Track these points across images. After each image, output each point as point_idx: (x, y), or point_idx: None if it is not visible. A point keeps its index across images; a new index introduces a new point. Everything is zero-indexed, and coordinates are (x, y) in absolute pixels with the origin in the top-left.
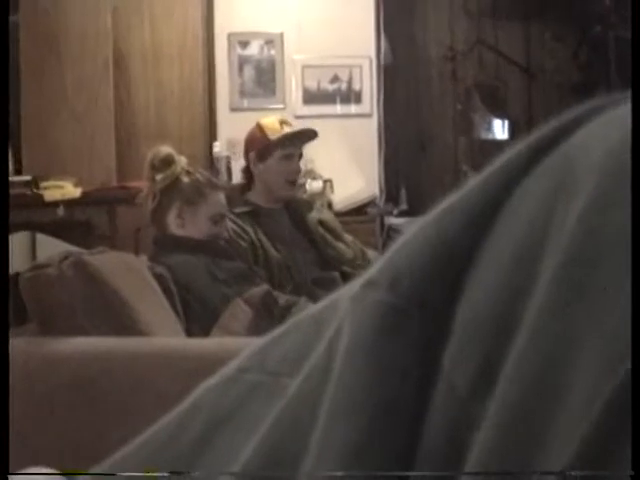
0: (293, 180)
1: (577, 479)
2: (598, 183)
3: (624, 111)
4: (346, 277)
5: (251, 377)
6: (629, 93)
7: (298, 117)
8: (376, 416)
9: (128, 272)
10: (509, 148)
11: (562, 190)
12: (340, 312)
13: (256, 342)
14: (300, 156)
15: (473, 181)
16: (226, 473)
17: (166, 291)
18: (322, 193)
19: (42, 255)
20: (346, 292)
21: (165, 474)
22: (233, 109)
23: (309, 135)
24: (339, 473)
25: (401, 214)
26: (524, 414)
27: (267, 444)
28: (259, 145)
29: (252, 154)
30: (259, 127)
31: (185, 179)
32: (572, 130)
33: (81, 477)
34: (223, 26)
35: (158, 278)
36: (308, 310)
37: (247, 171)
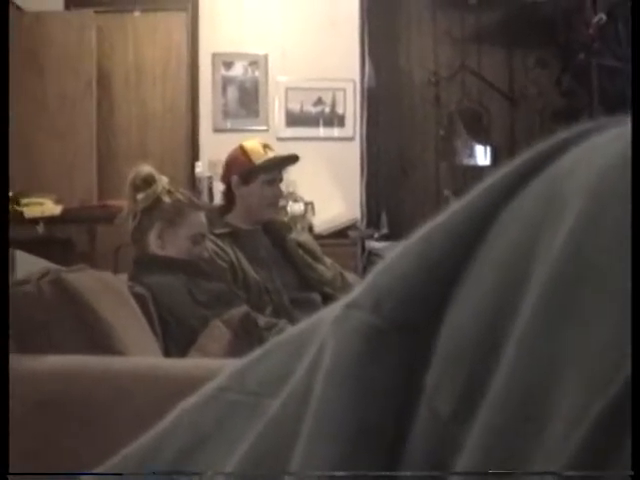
0: (275, 203)
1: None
2: (585, 206)
3: (610, 136)
4: (327, 298)
5: (231, 397)
6: (615, 118)
7: (280, 139)
8: (357, 438)
9: (107, 291)
10: (494, 172)
11: (549, 213)
12: (322, 333)
13: (236, 362)
14: (281, 180)
15: (458, 204)
16: (220, 473)
17: (145, 311)
18: (303, 216)
19: (21, 272)
20: (328, 313)
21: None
22: (216, 130)
23: (292, 160)
24: (328, 473)
25: (382, 238)
26: (508, 438)
27: (247, 464)
28: (242, 168)
29: (235, 177)
30: (242, 150)
31: (166, 199)
32: (558, 154)
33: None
34: (207, 46)
35: (137, 298)
36: (289, 331)
37: (228, 193)
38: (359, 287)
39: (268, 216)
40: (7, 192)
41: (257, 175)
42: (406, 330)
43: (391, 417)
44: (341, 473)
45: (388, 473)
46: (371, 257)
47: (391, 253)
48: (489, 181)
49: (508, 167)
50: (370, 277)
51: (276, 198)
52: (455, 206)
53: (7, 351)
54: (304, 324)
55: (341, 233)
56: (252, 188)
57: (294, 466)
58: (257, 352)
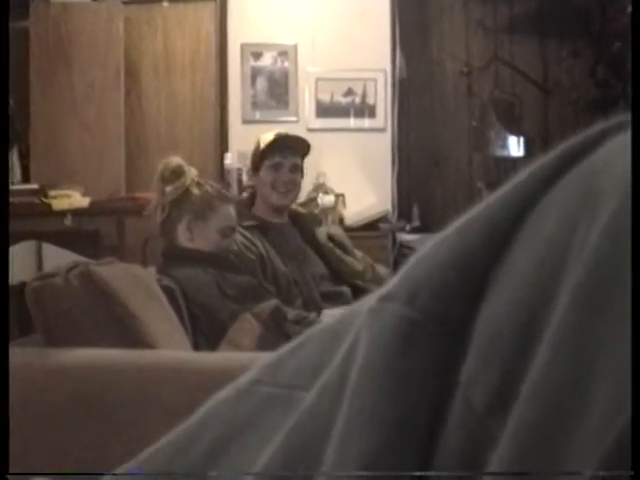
0: (283, 190)
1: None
2: (622, 199)
3: None
4: (357, 291)
5: (264, 390)
6: None
7: (311, 130)
8: (391, 430)
9: (136, 284)
10: (527, 163)
11: (585, 205)
12: (357, 325)
13: (270, 355)
14: (295, 167)
15: (493, 196)
16: (246, 473)
17: (174, 304)
18: (334, 208)
19: (48, 265)
20: (363, 305)
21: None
22: (245, 121)
23: (298, 144)
24: (357, 473)
25: (413, 231)
26: (542, 432)
27: (281, 456)
28: (253, 157)
29: (248, 168)
30: (257, 140)
31: (195, 191)
32: (596, 145)
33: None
34: (236, 37)
35: (166, 291)
36: (324, 323)
37: (249, 185)
38: (393, 279)
39: (279, 203)
40: (7, 192)
41: (263, 161)
42: (441, 322)
43: (426, 409)
44: (367, 473)
45: (419, 473)
46: (402, 250)
47: (425, 246)
48: (525, 173)
49: (545, 158)
50: (404, 269)
51: (284, 184)
52: (490, 198)
53: (7, 350)
54: (338, 316)
55: (372, 225)
56: (261, 176)
57: (328, 458)
58: (290, 345)
